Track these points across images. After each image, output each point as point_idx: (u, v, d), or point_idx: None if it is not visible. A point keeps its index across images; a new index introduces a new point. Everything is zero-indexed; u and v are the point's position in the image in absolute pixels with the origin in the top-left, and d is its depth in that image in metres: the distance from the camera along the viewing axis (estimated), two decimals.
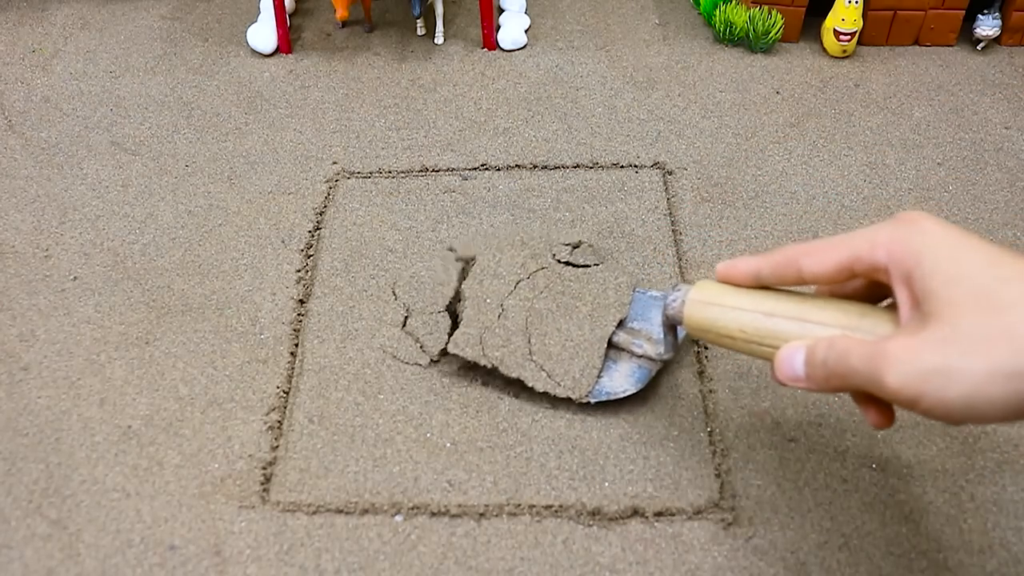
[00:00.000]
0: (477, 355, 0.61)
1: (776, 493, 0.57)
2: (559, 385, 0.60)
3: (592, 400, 0.60)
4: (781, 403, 0.62)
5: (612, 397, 0.60)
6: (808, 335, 0.43)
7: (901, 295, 0.38)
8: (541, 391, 0.60)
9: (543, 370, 0.61)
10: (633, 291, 0.65)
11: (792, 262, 0.43)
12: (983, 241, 0.37)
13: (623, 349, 0.62)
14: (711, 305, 0.47)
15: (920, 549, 0.54)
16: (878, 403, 0.42)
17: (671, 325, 0.55)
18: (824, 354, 0.39)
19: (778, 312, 0.44)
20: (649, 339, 0.61)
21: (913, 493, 0.57)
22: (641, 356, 0.61)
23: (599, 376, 0.61)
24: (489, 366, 0.61)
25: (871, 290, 0.45)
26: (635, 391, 0.60)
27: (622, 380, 0.60)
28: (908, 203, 0.78)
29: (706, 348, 0.65)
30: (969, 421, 0.35)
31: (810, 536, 0.54)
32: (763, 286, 0.46)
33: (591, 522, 0.55)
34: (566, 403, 0.62)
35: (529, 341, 0.62)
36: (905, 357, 0.35)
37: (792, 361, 0.41)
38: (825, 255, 0.41)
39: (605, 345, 0.61)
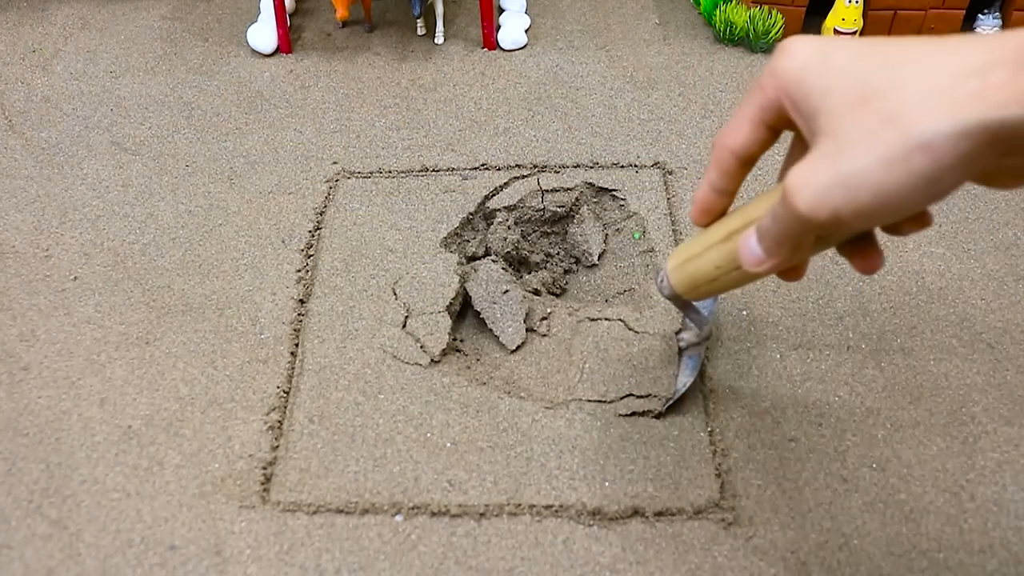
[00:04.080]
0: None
1: (776, 493, 0.57)
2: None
3: (664, 408, 0.61)
4: (781, 403, 0.62)
5: (680, 394, 0.61)
6: None
7: (800, 125, 0.37)
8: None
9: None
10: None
11: (722, 150, 0.43)
12: (852, 42, 0.36)
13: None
14: (686, 263, 0.49)
15: (920, 549, 0.54)
16: (860, 247, 0.41)
17: (681, 304, 0.56)
18: (764, 224, 0.39)
19: (731, 230, 0.45)
20: (686, 330, 0.63)
21: (913, 493, 0.57)
22: (686, 348, 0.62)
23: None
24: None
25: None
26: (694, 379, 0.62)
27: (682, 376, 0.62)
28: None
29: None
30: (892, 217, 0.34)
31: (810, 536, 0.54)
32: (732, 195, 0.46)
33: (591, 522, 0.55)
34: (565, 404, 0.62)
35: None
36: (803, 182, 0.34)
37: (748, 246, 0.41)
38: (738, 123, 0.41)
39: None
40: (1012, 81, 0.30)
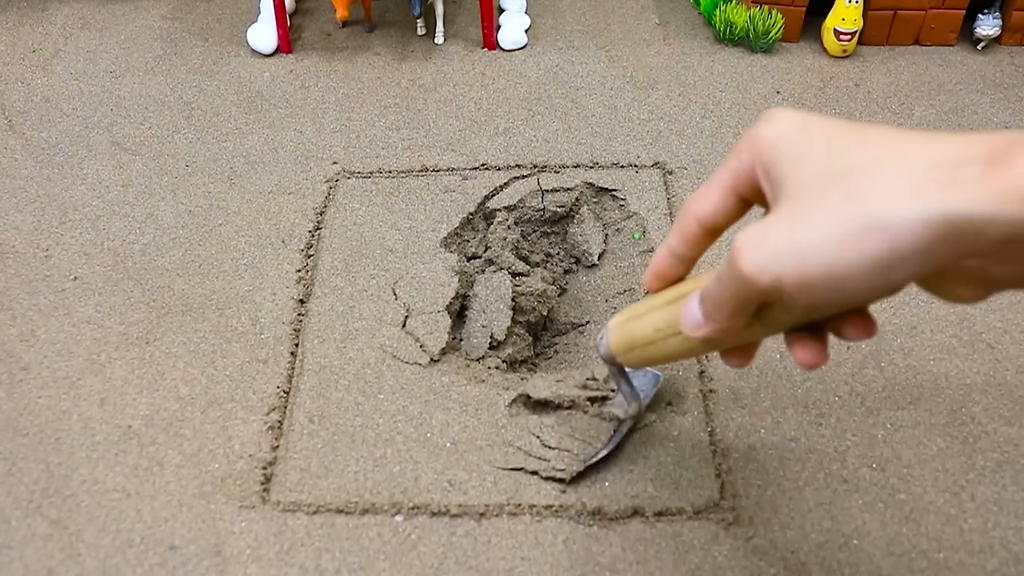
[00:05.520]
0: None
1: (776, 493, 0.57)
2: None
3: (571, 476, 0.57)
4: (781, 403, 0.62)
5: (589, 463, 0.57)
6: None
7: (767, 191, 0.37)
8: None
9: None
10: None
11: (687, 215, 0.41)
12: (835, 120, 0.35)
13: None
14: (627, 322, 0.46)
15: (920, 549, 0.54)
16: (806, 338, 0.39)
17: (617, 371, 0.53)
18: (708, 286, 0.38)
19: (680, 294, 0.42)
20: (613, 405, 0.60)
21: (913, 493, 0.57)
22: (610, 420, 0.59)
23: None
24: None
25: None
26: (607, 453, 0.57)
27: (603, 447, 0.58)
28: None
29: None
30: (837, 301, 0.33)
31: (810, 536, 0.54)
32: (690, 263, 0.43)
33: (591, 522, 0.55)
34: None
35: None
36: (753, 242, 0.33)
37: (689, 308, 0.40)
38: (708, 189, 0.40)
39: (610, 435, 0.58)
40: (982, 178, 0.29)
